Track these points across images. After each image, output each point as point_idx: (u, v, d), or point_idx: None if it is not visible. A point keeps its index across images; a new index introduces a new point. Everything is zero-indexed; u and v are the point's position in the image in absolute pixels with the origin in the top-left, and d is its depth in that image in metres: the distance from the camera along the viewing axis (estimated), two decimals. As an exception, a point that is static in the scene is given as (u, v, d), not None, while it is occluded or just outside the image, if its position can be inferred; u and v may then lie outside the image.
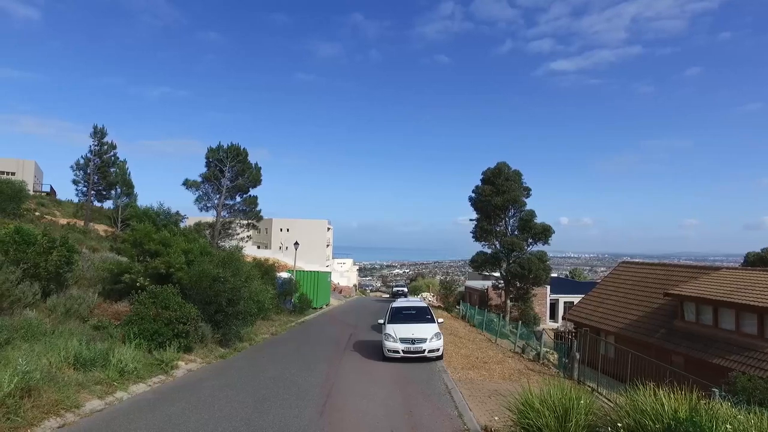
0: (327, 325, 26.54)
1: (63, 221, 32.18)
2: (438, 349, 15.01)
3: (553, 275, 47.49)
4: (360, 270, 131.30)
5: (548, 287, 45.02)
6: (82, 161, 34.21)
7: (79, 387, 9.02)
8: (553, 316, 46.59)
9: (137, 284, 14.40)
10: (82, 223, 33.48)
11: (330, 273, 47.63)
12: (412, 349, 14.67)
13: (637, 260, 35.20)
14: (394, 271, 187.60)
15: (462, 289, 56.50)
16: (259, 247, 65.23)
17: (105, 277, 15.82)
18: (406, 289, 61.48)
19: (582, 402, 6.49)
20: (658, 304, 22.71)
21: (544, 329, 25.23)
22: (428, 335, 15.00)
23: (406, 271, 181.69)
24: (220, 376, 12.14)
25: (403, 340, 14.79)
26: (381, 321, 16.90)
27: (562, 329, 30.79)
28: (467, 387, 11.81)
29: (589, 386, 12.62)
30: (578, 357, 14.70)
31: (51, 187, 55.95)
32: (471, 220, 43.50)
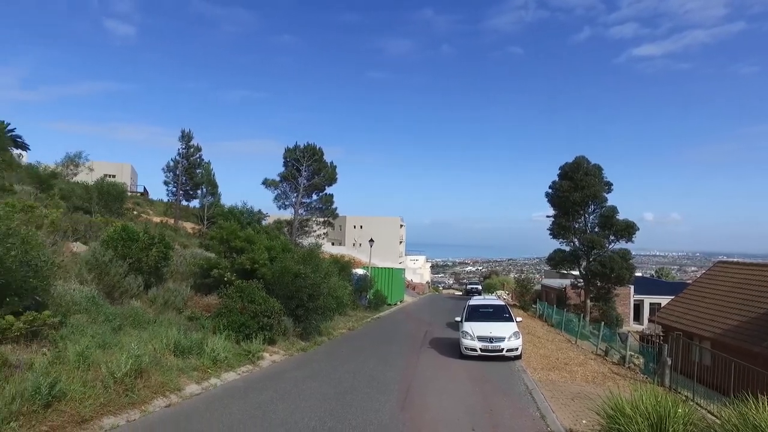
0: (402, 322, 26.80)
1: (156, 219, 34.74)
2: (516, 349, 14.73)
3: (637, 274, 44.83)
4: (432, 267, 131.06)
5: (632, 287, 42.53)
6: (171, 163, 36.81)
7: (179, 372, 9.79)
8: (637, 317, 44.01)
9: (225, 279, 15.31)
10: (172, 221, 35.99)
11: (404, 270, 47.96)
12: (489, 348, 14.50)
13: (736, 260, 32.40)
14: (467, 269, 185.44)
15: (538, 287, 54.85)
16: (333, 244, 66.91)
17: (196, 272, 16.91)
18: (480, 287, 60.64)
19: (679, 411, 6.13)
20: (765, 309, 20.81)
21: (629, 332, 23.92)
22: (506, 334, 14.76)
23: (479, 268, 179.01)
24: (303, 368, 12.65)
25: (480, 339, 14.65)
26: (457, 319, 16.83)
27: (648, 332, 29.06)
28: (548, 388, 11.51)
29: (683, 395, 11.85)
30: (669, 362, 13.83)
31: (144, 188, 60.57)
32: (548, 216, 42.05)
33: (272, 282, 15.61)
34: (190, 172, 36.93)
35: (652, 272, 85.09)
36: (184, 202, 39.29)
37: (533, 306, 40.15)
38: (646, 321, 39.97)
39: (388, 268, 37.68)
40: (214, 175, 36.78)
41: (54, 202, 22.30)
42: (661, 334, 24.41)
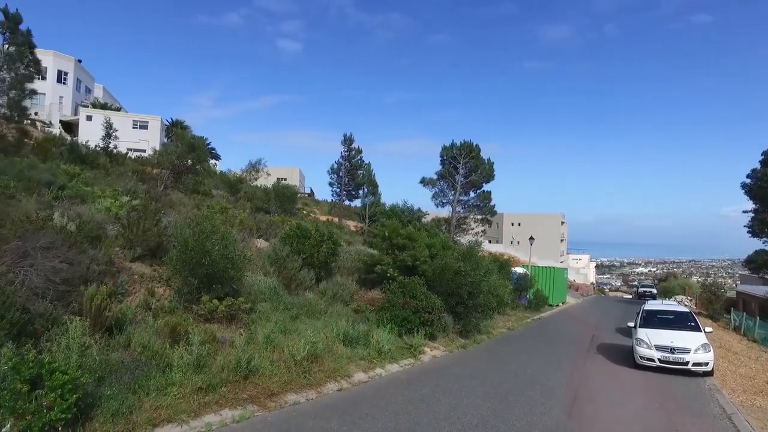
0: (565, 324, 25.30)
1: (322, 218, 37.82)
2: (706, 363, 12.84)
3: None
4: (597, 267, 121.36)
5: None
6: (335, 166, 39.78)
7: (348, 360, 10.55)
8: None
9: (387, 275, 16.06)
10: (336, 219, 38.85)
11: (566, 269, 45.17)
12: (671, 360, 12.89)
13: None
14: (637, 270, 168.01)
15: (731, 294, 47.23)
16: (490, 242, 65.81)
17: (360, 268, 18.00)
18: (654, 290, 54.54)
19: None
20: None
21: None
22: (693, 345, 12.98)
23: (652, 269, 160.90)
24: (463, 365, 12.67)
25: (659, 348, 13.11)
26: (629, 324, 15.34)
27: None
28: (755, 415, 9.81)
29: None
30: None
31: (311, 189, 66.44)
32: (745, 211, 36.08)
33: (433, 279, 15.92)
34: (352, 174, 39.50)
35: None
36: (347, 202, 42.17)
37: (725, 316, 34.69)
38: None
39: (549, 268, 35.85)
40: (374, 176, 38.82)
41: (241, 204, 25.66)
42: None
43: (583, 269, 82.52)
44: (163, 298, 10.26)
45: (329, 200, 45.41)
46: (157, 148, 39.13)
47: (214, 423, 6.74)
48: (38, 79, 25.84)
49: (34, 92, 25.12)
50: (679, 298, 46.69)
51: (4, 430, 5.22)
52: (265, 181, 36.68)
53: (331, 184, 40.28)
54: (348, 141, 39.52)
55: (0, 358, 5.80)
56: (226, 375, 7.83)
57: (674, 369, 12.85)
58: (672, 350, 12.93)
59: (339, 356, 10.46)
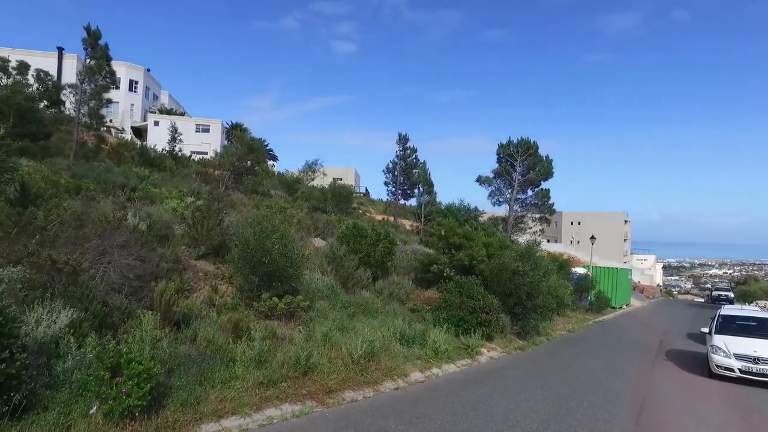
0: (630, 327, 24.17)
1: (377, 217, 38.03)
2: None
3: None
4: (664, 268, 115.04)
5: None
6: (390, 165, 39.90)
7: (404, 359, 10.56)
8: None
9: (444, 274, 15.94)
10: (391, 218, 38.95)
11: (630, 270, 43.12)
12: (754, 371, 11.91)
13: None
14: (710, 272, 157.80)
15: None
16: (548, 241, 63.94)
17: (416, 267, 17.96)
18: (731, 294, 50.95)
19: None
20: None
21: None
22: None
23: (728, 271, 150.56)
24: (521, 367, 12.38)
25: (739, 357, 12.18)
26: (703, 329, 14.42)
27: None
28: None
29: None
30: None
31: (366, 189, 66.99)
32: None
33: (490, 278, 15.67)
34: (408, 173, 39.48)
35: None
36: (402, 201, 42.18)
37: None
38: None
39: (612, 268, 34.37)
40: (429, 175, 38.58)
41: (299, 203, 26.27)
42: None
43: (648, 270, 78.49)
44: (225, 295, 10.67)
45: (384, 199, 45.70)
46: (218, 150, 40.86)
47: (275, 417, 6.94)
48: (113, 88, 27.59)
49: (110, 101, 26.85)
50: (762, 303, 43.45)
51: (91, 411, 5.65)
52: (321, 181, 37.41)
53: (386, 184, 40.52)
54: (403, 140, 39.54)
55: (86, 346, 6.30)
56: (285, 371, 8.05)
57: (758, 381, 11.88)
58: (756, 360, 11.98)
59: (396, 355, 10.49)
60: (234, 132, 52.59)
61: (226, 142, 50.31)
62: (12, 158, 13.50)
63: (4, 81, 30.39)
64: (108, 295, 8.24)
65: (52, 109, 30.63)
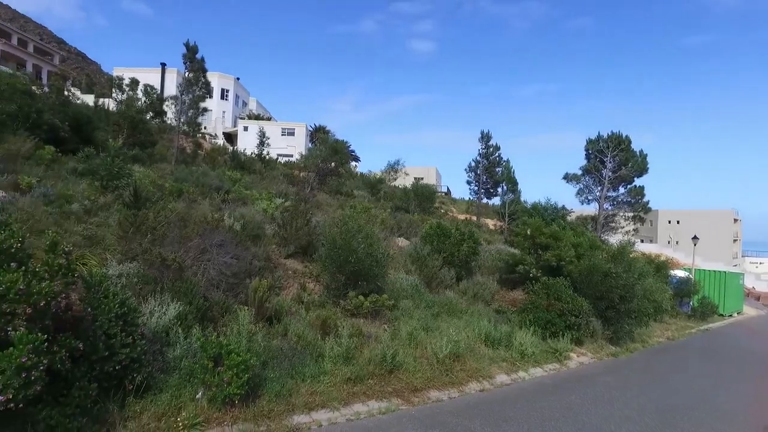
0: (742, 338, 22.00)
1: (460, 217, 37.60)
2: None
3: None
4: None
5: None
6: (472, 164, 39.32)
7: (490, 361, 10.37)
8: None
9: (530, 275, 15.46)
10: (474, 218, 38.36)
11: (741, 274, 39.17)
12: None
13: None
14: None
15: None
16: (642, 241, 59.89)
17: (501, 267, 17.59)
18: None
19: None
20: None
21: None
22: None
23: None
24: (614, 374, 11.70)
25: None
26: None
27: None
28: None
29: None
30: None
31: (447, 188, 66.54)
32: None
33: (579, 280, 14.97)
34: (491, 171, 38.71)
35: None
36: (485, 200, 41.39)
37: None
38: None
39: (719, 271, 31.43)
40: (513, 173, 37.58)
41: (382, 203, 26.67)
42: None
43: (765, 275, 70.97)
44: (313, 293, 11.10)
45: (466, 198, 45.14)
46: (303, 152, 42.55)
47: (362, 413, 7.10)
48: (208, 98, 29.68)
49: (205, 110, 28.91)
50: None
51: (198, 396, 6.14)
52: (403, 180, 37.73)
53: (468, 182, 40.00)
54: (485, 138, 38.84)
55: (191, 337, 6.87)
56: (372, 368, 8.21)
57: None
58: None
59: (481, 356, 10.35)
60: (317, 134, 54.59)
61: (310, 145, 52.31)
62: (127, 165, 14.98)
63: (120, 97, 33.78)
64: (208, 291, 8.88)
65: (157, 120, 33.59)
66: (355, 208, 19.90)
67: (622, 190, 31.21)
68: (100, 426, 5.31)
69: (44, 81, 39.92)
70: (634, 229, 32.70)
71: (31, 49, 51.38)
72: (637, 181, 31.31)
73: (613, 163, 30.51)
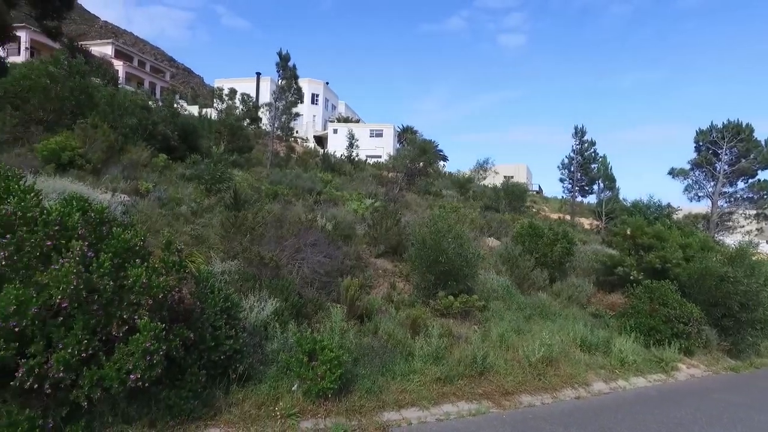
0: None
1: (552, 216, 36.06)
2: None
3: None
4: None
5: None
6: (566, 161, 37.54)
7: (586, 367, 9.84)
8: None
9: (631, 277, 14.45)
10: (568, 217, 36.60)
11: None
12: None
13: None
14: None
15: None
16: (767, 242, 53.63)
17: (597, 269, 16.62)
18: None
19: None
20: None
21: None
22: None
23: None
24: (734, 390, 10.59)
25: None
26: None
27: None
28: None
29: None
30: None
31: (539, 186, 64.11)
32: None
33: (688, 284, 13.74)
34: (585, 168, 36.75)
35: None
36: (579, 198, 39.39)
37: None
38: None
39: None
40: (610, 169, 35.36)
41: (471, 203, 26.29)
42: None
43: None
44: (403, 292, 11.19)
45: (559, 197, 43.23)
46: (391, 153, 43.12)
47: (452, 413, 7.05)
48: (299, 103, 31.08)
49: (297, 115, 30.29)
50: None
51: (293, 388, 6.46)
52: (492, 179, 36.93)
53: (561, 180, 38.26)
54: (579, 133, 36.94)
55: (287, 332, 7.24)
56: (462, 369, 8.13)
57: None
58: None
59: (576, 362, 9.84)
60: (405, 135, 55.06)
61: (398, 145, 52.88)
62: (228, 170, 16.10)
63: (220, 107, 36.44)
64: (302, 288, 9.28)
65: (253, 126, 35.75)
66: (444, 207, 19.78)
67: (741, 184, 28.13)
68: (208, 409, 5.79)
69: (158, 96, 44.14)
70: (757, 229, 29.30)
71: (148, 68, 56.93)
72: (761, 175, 28.08)
73: (730, 155, 27.57)
